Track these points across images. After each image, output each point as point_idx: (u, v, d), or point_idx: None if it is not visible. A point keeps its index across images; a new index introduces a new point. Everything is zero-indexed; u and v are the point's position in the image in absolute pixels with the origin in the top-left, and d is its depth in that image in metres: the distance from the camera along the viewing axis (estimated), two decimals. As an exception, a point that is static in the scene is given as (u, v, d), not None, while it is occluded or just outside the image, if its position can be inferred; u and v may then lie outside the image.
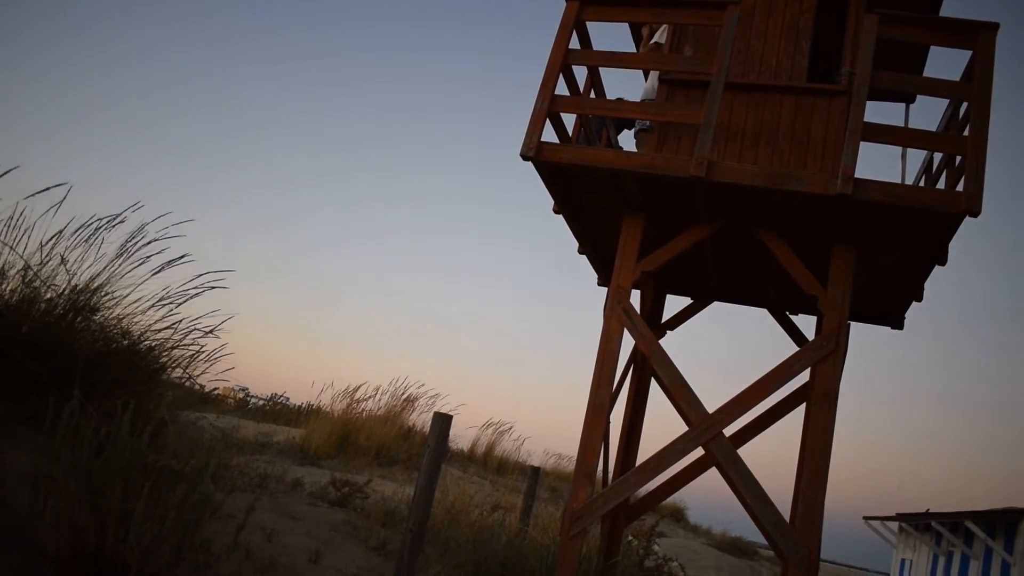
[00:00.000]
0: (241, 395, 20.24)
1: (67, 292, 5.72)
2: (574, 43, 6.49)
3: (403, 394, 14.30)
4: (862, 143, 5.56)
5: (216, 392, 15.80)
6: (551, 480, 17.65)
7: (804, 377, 6.72)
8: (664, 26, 7.31)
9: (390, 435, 13.43)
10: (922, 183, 7.19)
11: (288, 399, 19.89)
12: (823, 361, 5.83)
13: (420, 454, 13.71)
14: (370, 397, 13.92)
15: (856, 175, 5.47)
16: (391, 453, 12.92)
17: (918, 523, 20.17)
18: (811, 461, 5.67)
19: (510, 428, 18.16)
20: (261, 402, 20.05)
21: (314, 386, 20.60)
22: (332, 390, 13.87)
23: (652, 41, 7.43)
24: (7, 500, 3.98)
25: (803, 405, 7.44)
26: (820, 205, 5.73)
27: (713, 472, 7.32)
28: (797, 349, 7.76)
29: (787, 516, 6.14)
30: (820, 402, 5.77)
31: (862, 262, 6.13)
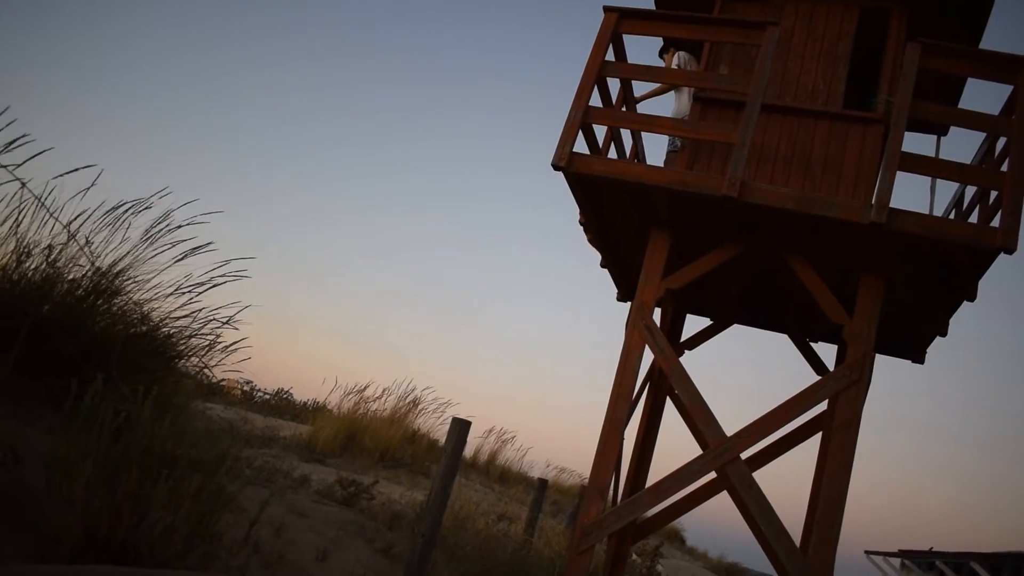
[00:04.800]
0: (247, 387, 20.14)
1: (90, 274, 5.69)
2: (610, 55, 6.45)
3: (409, 397, 14.27)
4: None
5: (223, 383, 15.73)
6: (552, 494, 17.54)
7: (821, 406, 6.65)
8: (691, 59, 7.35)
9: (395, 437, 13.36)
10: (952, 216, 7.12)
11: (292, 394, 19.82)
12: (846, 391, 5.75)
13: (425, 458, 13.69)
14: (377, 398, 13.88)
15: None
16: (396, 455, 12.86)
17: (921, 560, 19.99)
18: (828, 490, 5.59)
19: (513, 437, 18.09)
20: (267, 396, 19.97)
21: (324, 383, 20.42)
22: (339, 388, 13.81)
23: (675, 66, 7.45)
24: (23, 479, 3.95)
25: (819, 434, 7.37)
26: (851, 233, 5.65)
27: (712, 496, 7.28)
28: (815, 377, 7.71)
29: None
30: (840, 431, 5.69)
31: (889, 293, 6.06)
